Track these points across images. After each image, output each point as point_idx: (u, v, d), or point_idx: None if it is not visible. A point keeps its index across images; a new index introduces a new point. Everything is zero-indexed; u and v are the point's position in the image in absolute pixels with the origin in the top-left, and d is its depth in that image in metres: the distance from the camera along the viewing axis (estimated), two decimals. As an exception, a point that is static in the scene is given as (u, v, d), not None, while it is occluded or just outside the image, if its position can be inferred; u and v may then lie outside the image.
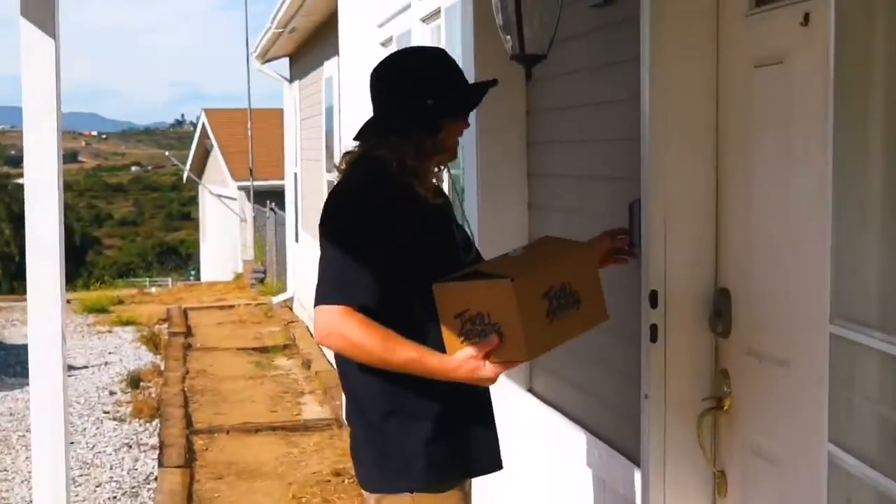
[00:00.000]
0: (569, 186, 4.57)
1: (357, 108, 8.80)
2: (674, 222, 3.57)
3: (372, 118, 3.24)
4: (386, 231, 2.99)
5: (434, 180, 3.24)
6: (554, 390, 4.80)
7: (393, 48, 8.16)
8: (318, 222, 3.16)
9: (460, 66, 3.30)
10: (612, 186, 4.06)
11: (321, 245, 3.07)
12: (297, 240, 15.84)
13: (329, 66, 12.24)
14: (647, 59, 3.57)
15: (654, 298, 3.55)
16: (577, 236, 4.43)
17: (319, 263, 3.04)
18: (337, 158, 3.30)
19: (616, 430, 4.06)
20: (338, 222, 3.07)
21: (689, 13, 3.54)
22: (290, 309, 16.08)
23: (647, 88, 3.56)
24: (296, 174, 16.10)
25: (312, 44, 14.02)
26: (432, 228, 3.15)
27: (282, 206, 18.73)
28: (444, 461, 3.10)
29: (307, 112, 14.80)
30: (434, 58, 3.28)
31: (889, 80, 2.34)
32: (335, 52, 10.84)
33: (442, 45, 6.66)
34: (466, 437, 3.14)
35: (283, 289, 17.51)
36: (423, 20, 7.22)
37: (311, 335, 13.26)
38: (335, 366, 3.26)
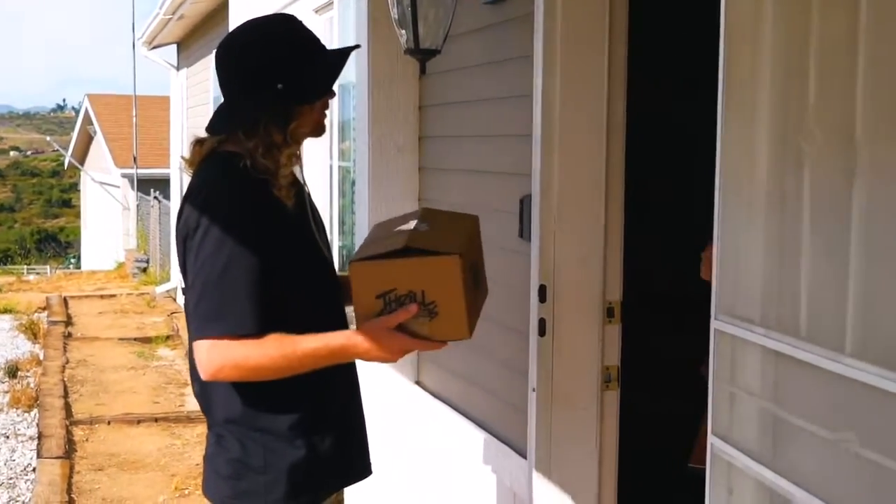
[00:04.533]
0: (460, 181, 4.60)
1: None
2: (564, 218, 3.62)
3: (220, 106, 2.80)
4: (258, 241, 2.64)
5: (291, 170, 2.81)
6: (442, 383, 4.83)
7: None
8: (176, 230, 2.77)
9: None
10: (503, 182, 4.10)
11: (189, 262, 2.69)
12: (181, 229, 15.63)
13: (218, 55, 12.12)
14: (539, 56, 3.62)
15: (542, 293, 3.60)
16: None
17: (190, 283, 2.68)
18: (186, 149, 2.86)
19: (504, 423, 4.11)
20: (205, 235, 2.64)
21: (582, 12, 3.60)
22: (174, 299, 15.87)
23: (539, 85, 3.61)
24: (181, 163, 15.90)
25: (201, 31, 13.86)
26: (295, 233, 2.80)
27: (167, 194, 18.48)
28: (308, 480, 2.81)
29: (195, 100, 14.64)
30: (282, 29, 2.78)
31: (774, 79, 2.41)
32: (225, 40, 10.74)
33: (335, 38, 6.65)
34: (333, 449, 2.86)
35: (167, 279, 17.27)
36: (316, 11, 7.19)
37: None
38: (189, 362, 2.88)
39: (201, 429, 8.83)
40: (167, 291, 16.35)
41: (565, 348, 3.64)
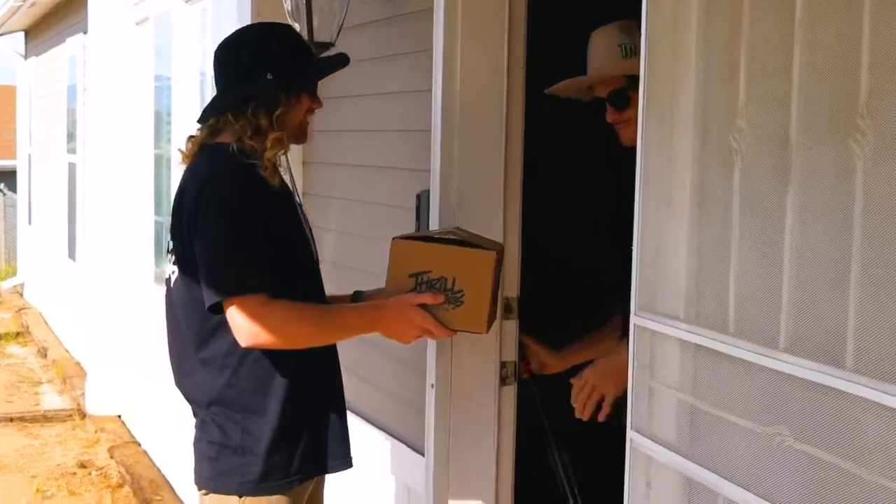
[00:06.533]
0: (350, 175, 4.55)
1: (107, 88, 8.48)
2: (463, 214, 3.60)
3: (213, 98, 3.12)
4: (255, 215, 2.89)
5: (276, 163, 3.05)
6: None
7: (149, 28, 7.91)
8: (172, 222, 3.02)
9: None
10: (397, 177, 4.07)
11: (196, 242, 2.90)
12: (30, 222, 15.18)
13: (73, 43, 11.77)
14: (439, 50, 3.60)
15: (443, 288, 3.58)
16: (360, 225, 4.45)
17: (199, 257, 2.88)
18: (183, 144, 3.13)
19: (400, 421, 4.09)
20: (207, 215, 2.88)
21: (482, 6, 3.59)
22: (21, 295, 15.39)
23: (440, 80, 3.59)
24: (30, 155, 15.41)
25: (53, 19, 13.44)
26: (283, 213, 3.03)
27: (13, 187, 17.90)
28: (283, 463, 2.98)
29: (45, 90, 14.18)
30: (277, 32, 3.15)
31: (698, 71, 2.43)
32: (81, 28, 10.44)
33: (208, 29, 6.52)
34: (311, 435, 3.04)
35: (13, 273, 16.76)
36: (187, 1, 7.03)
37: (46, 322, 12.75)
38: (169, 352, 3.10)
39: (60, 428, 8.59)
40: (14, 287, 15.84)
41: (464, 344, 3.62)
